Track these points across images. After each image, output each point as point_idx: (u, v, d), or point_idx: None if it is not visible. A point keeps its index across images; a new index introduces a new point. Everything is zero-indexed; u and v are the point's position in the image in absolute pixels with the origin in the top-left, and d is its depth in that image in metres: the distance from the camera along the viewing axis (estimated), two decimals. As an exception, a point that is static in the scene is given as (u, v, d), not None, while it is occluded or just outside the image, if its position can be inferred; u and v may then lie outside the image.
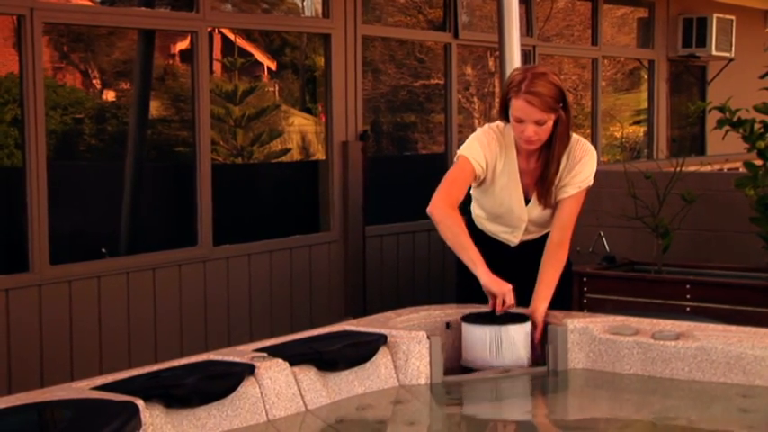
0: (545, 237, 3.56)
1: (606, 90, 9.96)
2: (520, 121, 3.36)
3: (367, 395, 2.91)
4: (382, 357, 3.00)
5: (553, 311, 3.35)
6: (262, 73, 8.36)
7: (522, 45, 5.53)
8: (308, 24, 7.07)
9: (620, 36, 10.36)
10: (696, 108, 7.80)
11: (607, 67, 9.94)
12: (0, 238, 5.35)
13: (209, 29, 5.98)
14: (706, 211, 5.76)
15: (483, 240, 3.53)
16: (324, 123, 6.76)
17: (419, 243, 7.13)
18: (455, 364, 3.25)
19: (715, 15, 9.85)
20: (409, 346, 3.04)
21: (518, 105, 3.34)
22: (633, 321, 3.27)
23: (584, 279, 5.48)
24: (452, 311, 3.37)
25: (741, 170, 5.86)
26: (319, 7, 6.74)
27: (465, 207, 3.64)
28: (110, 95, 7.23)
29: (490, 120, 5.86)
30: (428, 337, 3.07)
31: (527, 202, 3.56)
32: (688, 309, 5.15)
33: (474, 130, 3.62)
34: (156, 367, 2.68)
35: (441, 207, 3.42)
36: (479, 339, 3.21)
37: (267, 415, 2.65)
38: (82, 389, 2.49)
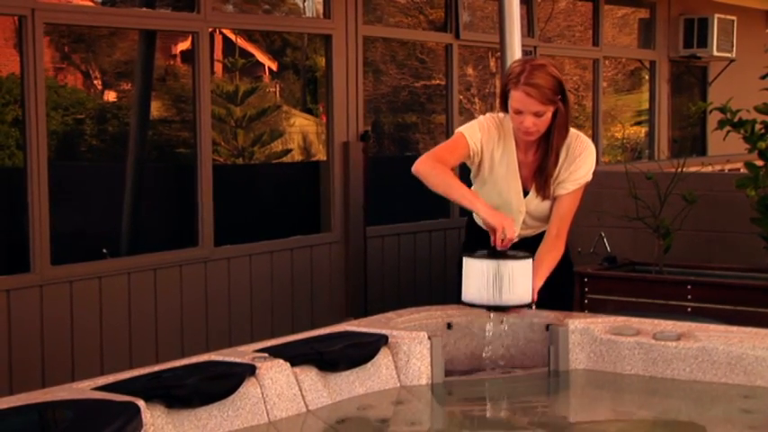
0: (543, 235, 3.57)
1: (607, 91, 9.97)
2: (518, 112, 3.40)
3: (368, 396, 2.91)
4: (383, 358, 2.99)
5: (554, 312, 3.35)
6: (263, 73, 8.36)
7: (523, 46, 5.52)
8: (309, 25, 7.07)
9: (621, 36, 10.36)
10: (697, 108, 7.81)
11: (608, 67, 9.94)
12: (1, 239, 5.35)
13: (210, 29, 5.98)
14: (707, 211, 5.75)
15: (483, 237, 3.54)
16: (325, 124, 6.76)
17: (420, 243, 7.14)
18: (456, 364, 3.24)
19: (716, 16, 9.85)
20: (410, 346, 3.04)
21: (517, 96, 3.37)
22: (634, 322, 3.27)
23: (586, 279, 5.48)
24: (454, 312, 3.37)
25: (742, 171, 5.85)
26: (320, 8, 6.74)
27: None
28: (111, 96, 7.24)
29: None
30: (429, 338, 3.07)
31: (525, 194, 3.59)
32: (689, 309, 5.15)
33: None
34: (157, 368, 2.68)
35: (425, 161, 3.47)
36: (479, 274, 3.15)
37: (268, 415, 2.64)
38: (83, 389, 2.49)
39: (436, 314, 3.36)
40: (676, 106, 10.25)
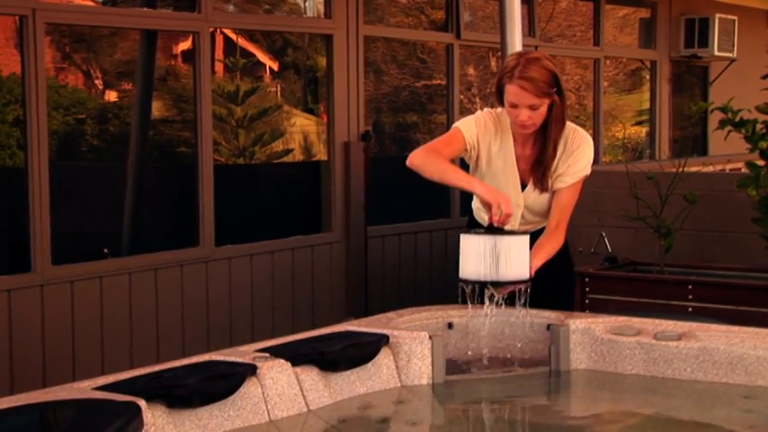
0: (542, 231, 3.58)
1: (608, 90, 9.96)
2: (514, 105, 3.42)
3: (369, 395, 2.91)
4: (384, 358, 2.99)
5: (555, 312, 3.35)
6: (264, 73, 8.36)
7: (524, 45, 5.52)
8: (310, 25, 7.07)
9: (622, 36, 10.35)
10: (698, 108, 7.81)
11: (609, 67, 9.93)
12: (2, 239, 5.35)
13: (211, 29, 5.98)
14: (708, 211, 5.75)
15: None
16: (326, 123, 6.76)
17: (421, 243, 7.13)
18: (457, 364, 3.24)
19: (717, 16, 9.84)
20: (411, 346, 3.04)
21: (511, 91, 3.39)
22: (635, 322, 3.27)
23: (587, 279, 5.48)
24: (455, 312, 3.37)
25: (743, 170, 5.85)
26: (321, 8, 6.74)
27: (466, 203, 3.65)
28: (112, 96, 7.24)
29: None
30: (430, 338, 3.07)
31: (523, 187, 3.60)
32: (690, 309, 5.15)
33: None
34: (157, 368, 2.68)
35: (419, 153, 3.51)
36: (476, 250, 3.12)
37: (269, 415, 2.64)
38: (84, 389, 2.49)
39: (437, 314, 3.37)
40: (677, 106, 10.25)
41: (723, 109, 5.41)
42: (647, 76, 10.14)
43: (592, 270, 5.57)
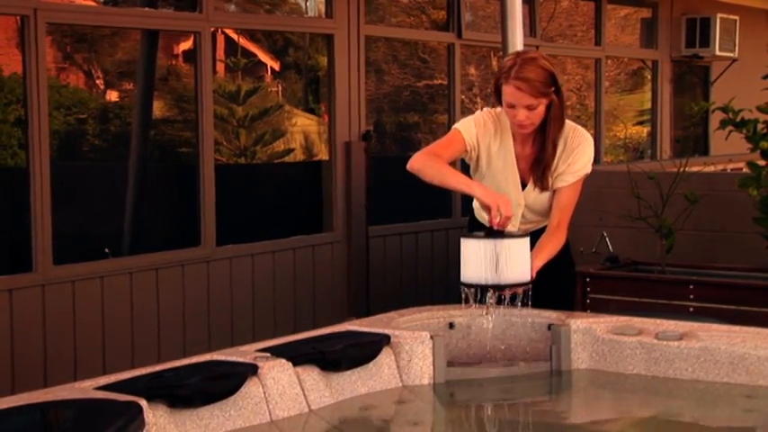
0: (542, 231, 3.58)
1: (609, 90, 9.96)
2: (511, 105, 3.43)
3: (370, 395, 2.91)
4: (385, 358, 2.99)
5: (556, 312, 3.35)
6: (265, 73, 8.36)
7: (525, 45, 5.52)
8: (311, 24, 7.07)
9: (623, 36, 10.35)
10: (699, 108, 7.80)
11: (610, 67, 9.93)
12: (3, 239, 5.35)
13: (212, 29, 5.98)
14: (709, 211, 5.75)
15: None
16: (327, 123, 6.76)
17: (422, 243, 7.13)
18: (459, 364, 3.24)
19: (718, 15, 9.83)
20: (412, 346, 3.03)
21: (508, 91, 3.40)
22: (636, 322, 3.27)
23: (588, 279, 5.48)
24: (456, 312, 3.37)
25: (744, 170, 5.85)
26: (322, 7, 6.74)
27: (467, 203, 3.65)
28: (113, 96, 7.24)
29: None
30: (431, 338, 3.07)
31: (524, 187, 3.60)
32: (691, 309, 5.15)
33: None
34: (159, 367, 2.68)
35: (419, 156, 3.51)
36: (477, 254, 3.12)
37: (270, 415, 2.65)
38: (85, 389, 2.49)
39: (438, 314, 3.37)
40: (678, 106, 10.24)
41: (724, 109, 5.41)
42: (649, 76, 10.13)
43: (593, 270, 5.57)
